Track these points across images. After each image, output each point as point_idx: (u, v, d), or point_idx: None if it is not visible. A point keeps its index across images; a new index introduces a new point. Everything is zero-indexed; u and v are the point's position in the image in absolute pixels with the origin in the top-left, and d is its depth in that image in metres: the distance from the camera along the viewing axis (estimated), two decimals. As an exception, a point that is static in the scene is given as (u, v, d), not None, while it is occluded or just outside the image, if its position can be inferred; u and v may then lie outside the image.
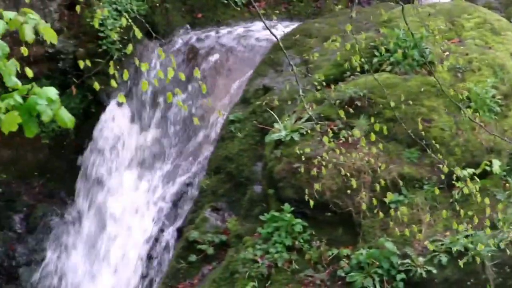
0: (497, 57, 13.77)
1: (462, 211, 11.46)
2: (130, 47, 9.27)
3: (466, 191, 11.53)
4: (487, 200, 11.03)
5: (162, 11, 17.22)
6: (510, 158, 13.20)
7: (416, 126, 12.41)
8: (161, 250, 15.03)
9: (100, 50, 16.42)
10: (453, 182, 12.04)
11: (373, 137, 11.71)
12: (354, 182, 11.89)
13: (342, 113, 12.53)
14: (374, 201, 11.71)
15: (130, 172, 16.19)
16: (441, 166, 11.91)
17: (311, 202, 12.14)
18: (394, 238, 12.07)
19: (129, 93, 16.79)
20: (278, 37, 15.35)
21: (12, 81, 5.61)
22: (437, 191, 11.78)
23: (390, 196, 12.26)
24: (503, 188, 12.62)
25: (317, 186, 12.12)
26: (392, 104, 12.17)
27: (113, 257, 15.53)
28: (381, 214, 11.94)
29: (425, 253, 12.01)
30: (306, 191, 12.12)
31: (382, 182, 11.73)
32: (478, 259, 11.65)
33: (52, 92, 5.53)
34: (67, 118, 5.50)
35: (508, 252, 11.84)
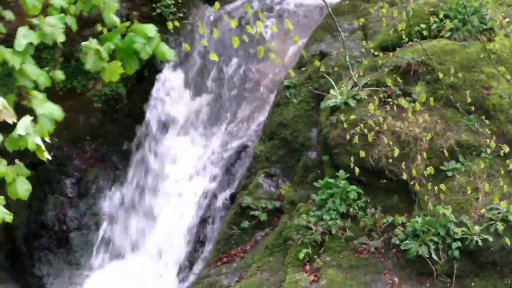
0: None
1: None
2: (170, 24, 9.33)
3: None
4: None
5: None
6: None
7: (475, 93, 12.91)
8: (213, 216, 15.05)
9: (154, 13, 16.16)
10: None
11: (432, 102, 11.67)
12: (410, 149, 12.48)
13: (399, 80, 12.56)
14: (431, 169, 11.43)
15: (184, 137, 16.14)
16: (504, 135, 12.19)
17: (367, 169, 12.11)
18: (450, 206, 12.03)
19: (183, 58, 16.82)
20: (334, 2, 15.36)
21: (112, 18, 5.59)
22: (496, 160, 12.38)
23: (447, 164, 12.48)
24: None
25: (373, 153, 12.48)
26: (451, 71, 12.02)
27: (166, 221, 15.52)
28: (438, 182, 11.91)
29: (482, 221, 11.99)
30: (360, 158, 12.14)
31: (439, 149, 12.40)
32: None
33: (150, 29, 5.46)
34: (168, 52, 5.39)
35: None
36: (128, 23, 5.53)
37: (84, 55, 5.51)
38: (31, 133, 5.52)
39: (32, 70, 5.71)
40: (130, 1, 16.56)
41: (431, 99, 12.01)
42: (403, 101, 11.86)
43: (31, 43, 5.42)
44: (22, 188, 5.75)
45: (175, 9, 16.32)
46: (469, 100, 12.21)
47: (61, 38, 5.55)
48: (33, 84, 5.70)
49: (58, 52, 14.81)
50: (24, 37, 5.41)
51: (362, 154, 12.04)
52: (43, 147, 5.57)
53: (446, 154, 12.37)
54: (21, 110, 5.62)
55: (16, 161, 5.84)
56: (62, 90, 15.72)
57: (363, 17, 13.95)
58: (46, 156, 5.53)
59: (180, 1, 16.59)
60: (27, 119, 5.51)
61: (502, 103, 13.19)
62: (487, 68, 13.19)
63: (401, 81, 13.11)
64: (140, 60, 5.67)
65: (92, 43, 5.51)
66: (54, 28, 5.54)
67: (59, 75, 5.68)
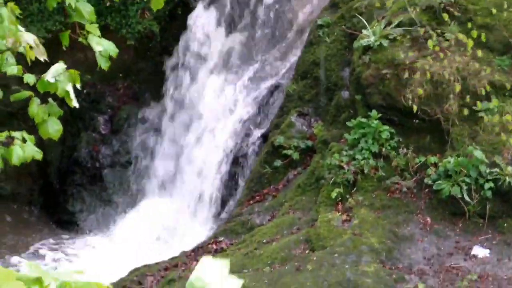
0: None
1: None
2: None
3: None
4: None
5: None
6: None
7: (509, 33, 12.87)
8: (246, 155, 15.32)
9: None
10: None
11: (470, 43, 11.68)
12: (443, 90, 12.39)
13: (441, 19, 12.56)
14: (464, 109, 11.92)
15: (217, 75, 16.29)
16: None
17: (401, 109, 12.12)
18: (483, 147, 12.07)
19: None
20: None
21: None
22: None
23: (480, 105, 12.37)
24: None
25: (405, 92, 12.39)
26: (492, 10, 12.27)
27: (197, 159, 15.98)
28: (470, 122, 12.26)
29: None
30: (393, 98, 12.57)
31: (472, 90, 12.33)
32: None
33: None
34: None
35: None
36: None
37: None
38: (62, 80, 5.84)
39: (86, 8, 6.14)
40: None
41: (468, 38, 12.39)
42: (436, 41, 12.45)
43: None
44: (53, 128, 6.07)
45: None
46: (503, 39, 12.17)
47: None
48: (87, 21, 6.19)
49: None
50: None
51: (395, 93, 12.51)
52: (72, 95, 5.83)
53: (480, 94, 12.37)
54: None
55: (50, 100, 6.07)
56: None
57: None
58: (75, 104, 5.86)
59: None
60: (60, 66, 5.87)
61: None
62: None
63: (440, 18, 13.00)
64: None
65: None
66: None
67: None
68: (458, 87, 12.39)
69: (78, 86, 6.04)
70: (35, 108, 6.18)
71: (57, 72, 5.88)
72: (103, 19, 16.44)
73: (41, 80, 5.92)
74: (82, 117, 16.68)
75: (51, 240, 16.37)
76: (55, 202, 17.25)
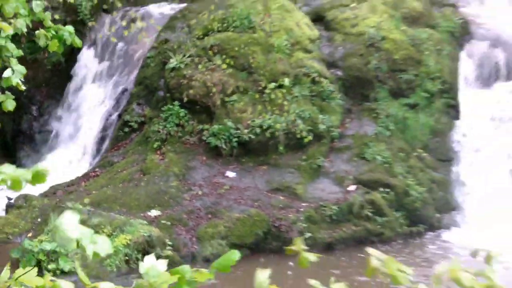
0: (289, 24, 16.16)
1: (269, 107, 14.67)
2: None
3: (272, 95, 15.00)
4: (282, 100, 14.78)
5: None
6: (294, 77, 15.45)
7: (245, 60, 15.31)
8: (110, 126, 17.34)
9: (78, 18, 17.72)
10: (265, 90, 15.07)
11: (224, 66, 14.22)
12: (212, 90, 15.06)
13: (210, 53, 15.20)
14: (221, 100, 14.67)
15: (94, 84, 18.32)
16: (260, 82, 14.83)
17: (187, 100, 14.42)
18: (232, 120, 14.68)
19: (93, 42, 18.77)
20: (174, 11, 16.67)
21: (49, 23, 7.05)
22: (256, 95, 14.97)
23: (228, 98, 14.80)
24: (289, 94, 15.17)
25: (193, 92, 15.11)
26: (236, 48, 14.88)
27: (84, 128, 17.77)
28: (225, 107, 14.85)
29: (249, 127, 14.66)
30: (186, 94, 15.09)
31: (225, 90, 14.88)
32: (276, 131, 14.44)
33: (70, 28, 7.04)
34: (78, 41, 7.13)
35: (290, 126, 14.38)
36: (60, 26, 6.85)
37: (38, 38, 6.90)
38: (12, 76, 6.76)
39: (11, 46, 7.06)
40: (65, 12, 17.77)
41: (223, 63, 14.99)
42: (208, 65, 14.94)
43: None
44: (10, 104, 7.00)
45: (89, 16, 18.08)
46: (243, 62, 14.16)
47: (25, 29, 6.90)
48: (11, 55, 6.85)
49: (23, 38, 15.36)
50: (6, 29, 6.60)
51: (186, 92, 15.01)
52: (21, 84, 6.79)
53: (229, 92, 14.80)
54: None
55: (6, 92, 6.96)
56: (30, 59, 16.98)
57: (190, 20, 16.86)
58: (23, 88, 6.90)
59: (91, 12, 17.83)
60: (9, 70, 6.77)
61: (259, 61, 15.20)
62: (253, 48, 15.53)
63: (210, 52, 15.49)
64: (69, 43, 6.93)
65: (42, 31, 6.93)
66: (22, 25, 6.84)
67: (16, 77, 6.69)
68: (219, 88, 15.12)
69: (21, 84, 6.76)
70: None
71: (9, 72, 6.85)
72: (34, 54, 17.36)
73: (2, 78, 6.80)
74: (23, 106, 17.75)
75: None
76: (9, 153, 18.78)
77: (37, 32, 7.02)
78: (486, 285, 2.69)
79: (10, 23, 6.94)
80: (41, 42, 7.08)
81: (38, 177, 2.76)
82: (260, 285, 2.65)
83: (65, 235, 2.60)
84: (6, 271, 3.07)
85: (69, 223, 2.65)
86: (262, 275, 2.68)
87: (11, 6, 6.59)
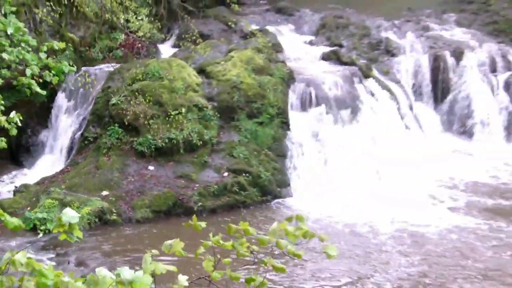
0: (183, 75, 19.45)
1: (173, 126, 17.95)
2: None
3: (175, 118, 18.08)
4: (181, 122, 17.95)
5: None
6: (188, 107, 18.32)
7: (159, 97, 18.79)
8: (76, 140, 19.89)
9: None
10: (171, 116, 18.29)
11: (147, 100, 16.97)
12: (139, 116, 18.75)
13: (136, 94, 18.01)
14: (144, 123, 18.37)
15: (65, 115, 20.69)
16: (168, 110, 18.13)
17: None
18: (151, 134, 17.98)
19: (65, 89, 20.68)
20: (113, 68, 19.54)
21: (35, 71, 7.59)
22: (166, 119, 18.42)
23: (150, 121, 18.81)
24: (185, 118, 18.32)
25: (127, 118, 18.46)
26: (152, 90, 18.05)
27: (61, 137, 20.07)
28: (147, 127, 18.85)
29: (161, 138, 17.80)
30: (123, 120, 18.38)
31: (149, 115, 18.51)
32: (178, 141, 18.51)
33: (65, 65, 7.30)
34: (62, 76, 7.31)
35: (186, 137, 18.52)
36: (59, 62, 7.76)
37: (44, 77, 7.57)
38: (15, 116, 7.64)
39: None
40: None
41: (145, 100, 18.17)
42: (135, 101, 18.10)
43: None
44: (14, 131, 7.93)
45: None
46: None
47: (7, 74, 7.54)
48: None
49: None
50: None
51: (124, 118, 18.30)
52: (14, 126, 7.54)
53: (149, 116, 17.87)
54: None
55: (11, 123, 7.60)
56: (26, 100, 17.87)
57: (124, 73, 19.65)
58: (14, 132, 7.97)
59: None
60: (13, 113, 7.51)
61: (168, 98, 18.43)
62: (162, 89, 18.60)
63: (136, 93, 18.73)
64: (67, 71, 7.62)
65: (47, 72, 7.88)
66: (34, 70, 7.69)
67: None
68: (141, 116, 18.06)
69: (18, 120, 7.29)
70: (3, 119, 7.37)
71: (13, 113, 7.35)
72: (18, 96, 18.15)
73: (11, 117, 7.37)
74: (22, 130, 16.79)
75: (13, 172, 20.05)
76: (14, 158, 20.72)
77: (43, 73, 7.97)
78: (302, 230, 3.69)
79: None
80: (47, 78, 8.16)
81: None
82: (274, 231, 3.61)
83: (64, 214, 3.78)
84: (7, 254, 3.43)
85: (68, 211, 4.02)
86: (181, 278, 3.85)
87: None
